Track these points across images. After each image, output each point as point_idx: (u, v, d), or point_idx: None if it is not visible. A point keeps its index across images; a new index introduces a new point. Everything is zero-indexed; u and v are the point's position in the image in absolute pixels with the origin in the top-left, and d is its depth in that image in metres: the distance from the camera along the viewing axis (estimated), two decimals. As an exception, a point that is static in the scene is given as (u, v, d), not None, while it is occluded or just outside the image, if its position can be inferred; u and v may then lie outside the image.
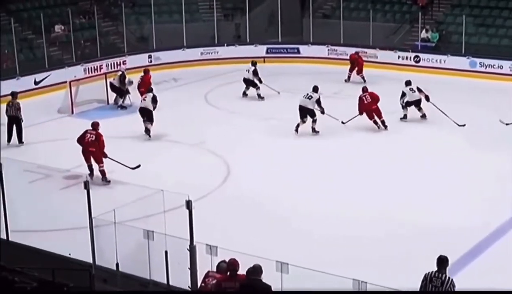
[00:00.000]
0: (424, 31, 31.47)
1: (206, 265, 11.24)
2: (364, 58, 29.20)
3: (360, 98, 22.55)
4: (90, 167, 18.47)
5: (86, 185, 12.01)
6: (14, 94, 22.11)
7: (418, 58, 30.60)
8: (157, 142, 21.61)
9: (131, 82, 25.56)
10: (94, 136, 18.47)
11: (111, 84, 25.63)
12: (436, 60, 30.20)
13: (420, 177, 18.23)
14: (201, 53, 32.62)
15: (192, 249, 11.14)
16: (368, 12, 32.83)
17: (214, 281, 10.85)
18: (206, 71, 27.62)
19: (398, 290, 10.82)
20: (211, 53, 32.66)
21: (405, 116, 23.04)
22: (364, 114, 22.33)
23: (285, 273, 10.27)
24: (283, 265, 10.27)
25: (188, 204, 10.88)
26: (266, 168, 19.10)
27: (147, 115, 22.04)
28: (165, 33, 32.52)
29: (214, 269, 11.10)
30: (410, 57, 30.82)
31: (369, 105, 22.21)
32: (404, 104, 22.92)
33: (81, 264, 12.44)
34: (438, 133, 21.69)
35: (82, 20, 33.02)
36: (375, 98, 22.28)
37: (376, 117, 22.20)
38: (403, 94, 22.87)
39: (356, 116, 22.43)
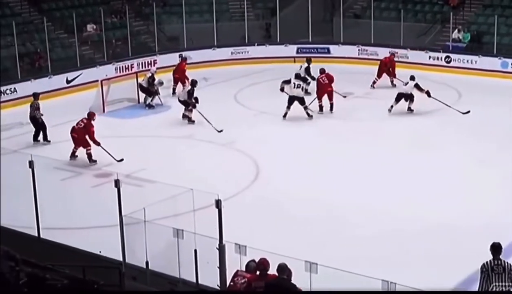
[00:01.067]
0: (456, 31, 31.25)
1: (235, 264, 11.26)
2: (395, 59, 29.07)
3: (318, 80, 23.77)
4: (74, 152, 20.03)
5: (117, 183, 12.10)
6: (35, 96, 22.44)
7: (449, 59, 30.41)
8: (187, 141, 21.70)
9: (161, 83, 25.69)
10: (83, 125, 19.96)
11: (140, 85, 25.78)
12: (468, 61, 29.96)
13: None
14: (231, 53, 32.66)
15: (221, 248, 11.17)
16: (399, 12, 32.67)
17: (243, 281, 10.88)
18: (236, 71, 27.64)
19: (429, 290, 10.82)
20: (241, 52, 32.69)
21: (391, 107, 23.54)
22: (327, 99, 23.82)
23: (314, 273, 10.27)
24: (312, 265, 10.27)
25: (218, 203, 10.92)
26: (296, 168, 19.08)
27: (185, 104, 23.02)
28: (196, 33, 32.63)
29: (243, 269, 11.13)
30: (441, 58, 30.63)
31: (326, 86, 23.55)
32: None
33: (111, 262, 12.51)
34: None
35: (113, 20, 33.23)
36: (330, 80, 23.47)
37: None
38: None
39: (314, 99, 23.98)
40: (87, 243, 13.57)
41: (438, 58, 30.68)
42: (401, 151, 20.14)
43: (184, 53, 31.03)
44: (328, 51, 32.81)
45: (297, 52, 32.60)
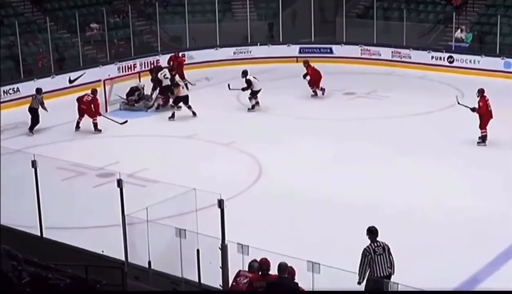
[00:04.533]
0: (458, 31, 31.22)
1: (237, 264, 11.26)
2: (397, 59, 29.04)
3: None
4: (78, 123, 22.78)
5: (120, 183, 12.10)
6: (39, 91, 23.51)
7: (452, 59, 30.38)
8: (189, 141, 21.71)
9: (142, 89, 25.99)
10: (90, 98, 22.89)
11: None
12: (470, 61, 29.96)
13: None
14: (234, 53, 32.71)
15: (223, 248, 11.18)
16: (401, 12, 32.68)
17: (245, 280, 10.89)
18: (239, 71, 27.55)
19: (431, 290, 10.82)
20: (244, 52, 32.72)
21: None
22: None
23: (317, 273, 10.26)
24: (315, 265, 10.26)
25: (220, 203, 10.92)
26: (298, 167, 19.08)
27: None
28: (198, 33, 32.67)
29: (246, 268, 11.14)
30: (444, 58, 30.62)
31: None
32: None
33: (114, 261, 12.52)
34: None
35: (116, 20, 33.27)
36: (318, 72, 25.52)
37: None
38: None
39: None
40: (90, 242, 13.58)
41: (440, 58, 30.67)
42: (403, 150, 20.14)
43: (186, 53, 31.07)
44: (331, 51, 32.83)
45: (300, 52, 32.62)
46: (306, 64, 26.51)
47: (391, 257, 11.61)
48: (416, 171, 18.54)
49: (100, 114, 22.89)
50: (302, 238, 14.56)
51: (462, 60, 30.15)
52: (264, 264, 10.73)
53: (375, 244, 11.56)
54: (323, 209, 16.22)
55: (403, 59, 30.58)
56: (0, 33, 28.71)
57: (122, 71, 29.43)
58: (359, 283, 11.26)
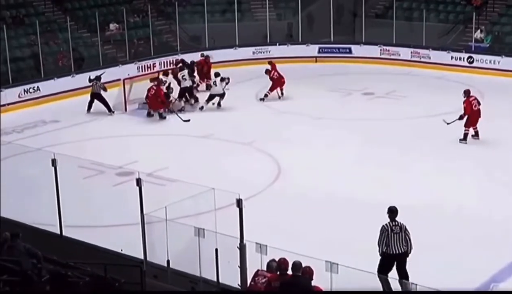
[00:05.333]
0: (478, 31, 31.07)
1: (255, 263, 11.28)
2: (417, 59, 28.95)
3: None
4: (149, 112, 24.33)
5: (139, 182, 12.16)
6: (98, 78, 25.23)
7: (472, 59, 30.24)
8: (208, 140, 21.74)
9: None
10: (153, 91, 24.02)
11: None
12: (490, 61, 29.82)
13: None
14: (253, 53, 32.69)
15: (242, 247, 11.20)
16: (421, 12, 32.57)
17: (263, 280, 10.92)
18: (258, 70, 27.58)
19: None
20: (263, 52, 32.68)
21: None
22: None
23: (335, 273, 10.27)
24: (333, 265, 10.26)
25: (239, 203, 10.95)
26: (317, 167, 19.08)
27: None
28: (218, 32, 32.69)
29: (264, 268, 11.16)
30: (464, 58, 30.47)
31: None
32: None
33: (133, 260, 12.58)
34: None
35: (136, 19, 33.36)
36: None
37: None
38: None
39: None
40: (109, 241, 13.65)
41: (460, 59, 30.52)
42: (423, 151, 20.10)
43: (205, 53, 31.10)
44: (350, 51, 32.76)
45: (319, 52, 32.59)
46: (271, 64, 26.74)
47: (407, 236, 12.31)
48: (436, 172, 18.49)
49: (165, 106, 24.15)
50: (320, 238, 14.55)
51: (482, 61, 30.00)
52: (282, 263, 10.76)
53: (393, 223, 12.33)
54: (343, 209, 16.19)
55: (422, 60, 30.47)
56: (21, 32, 28.95)
57: (142, 71, 29.50)
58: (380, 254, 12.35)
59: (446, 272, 13.00)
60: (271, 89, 26.09)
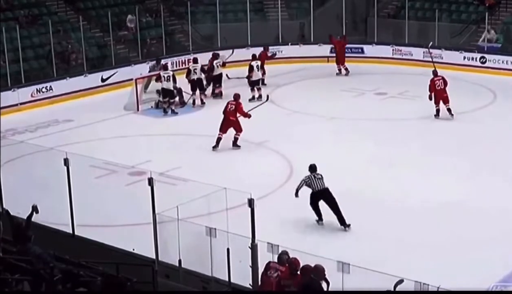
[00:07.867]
0: (485, 32, 30.86)
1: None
2: (428, 59, 28.86)
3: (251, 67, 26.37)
4: (219, 140, 20.75)
5: (151, 182, 12.19)
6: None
7: (484, 59, 30.13)
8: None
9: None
10: (233, 107, 20.99)
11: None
12: (503, 61, 29.71)
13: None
14: (265, 52, 32.64)
15: (253, 247, 11.22)
16: (433, 12, 32.46)
17: (275, 274, 10.93)
18: (270, 70, 27.58)
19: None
20: (276, 52, 32.63)
21: None
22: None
23: (346, 273, 10.27)
24: (344, 265, 10.27)
25: (250, 202, 10.96)
26: (329, 167, 19.00)
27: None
28: (230, 32, 32.70)
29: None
30: (476, 58, 30.36)
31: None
32: None
33: (145, 259, 12.63)
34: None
35: (148, 19, 33.41)
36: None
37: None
38: None
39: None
40: (121, 240, 13.70)
41: (473, 59, 30.40)
42: (436, 150, 20.06)
43: (218, 52, 31.10)
44: (362, 51, 32.69)
45: (331, 52, 32.43)
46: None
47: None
48: (450, 171, 18.46)
49: (248, 117, 21.22)
50: (332, 238, 14.56)
51: (494, 61, 29.89)
52: (293, 263, 10.79)
53: (314, 174, 15.50)
54: (354, 209, 16.15)
55: (435, 60, 30.35)
56: (34, 32, 29.05)
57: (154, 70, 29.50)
58: (296, 195, 15.38)
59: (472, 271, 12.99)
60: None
